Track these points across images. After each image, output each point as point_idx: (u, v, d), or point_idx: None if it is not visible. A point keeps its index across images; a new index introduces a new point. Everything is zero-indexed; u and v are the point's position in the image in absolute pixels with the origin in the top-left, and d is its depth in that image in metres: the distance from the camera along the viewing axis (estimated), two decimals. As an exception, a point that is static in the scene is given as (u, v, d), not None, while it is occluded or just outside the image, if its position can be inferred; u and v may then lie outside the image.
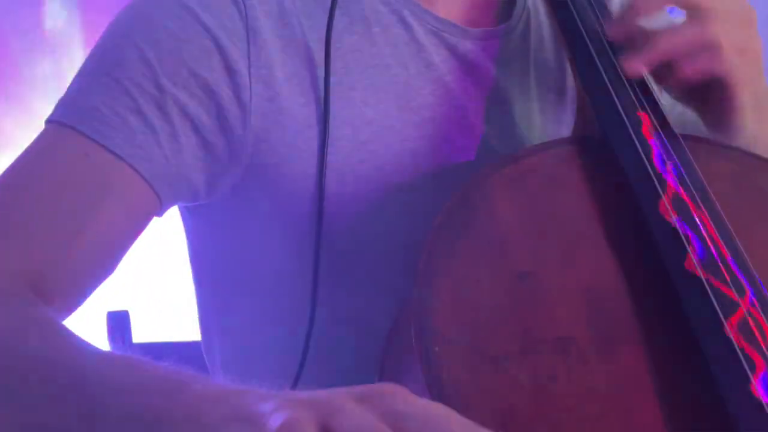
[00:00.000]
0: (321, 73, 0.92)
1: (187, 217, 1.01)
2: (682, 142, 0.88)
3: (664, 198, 0.82)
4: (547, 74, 1.03)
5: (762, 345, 0.75)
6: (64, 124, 0.88)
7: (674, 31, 0.90)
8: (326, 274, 0.92)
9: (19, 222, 0.85)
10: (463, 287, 0.78)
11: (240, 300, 1.00)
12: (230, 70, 0.90)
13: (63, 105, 0.90)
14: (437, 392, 0.72)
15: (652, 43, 0.90)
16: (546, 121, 1.02)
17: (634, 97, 0.89)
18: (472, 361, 0.75)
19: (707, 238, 0.81)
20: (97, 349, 0.75)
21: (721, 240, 0.81)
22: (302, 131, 0.92)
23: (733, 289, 0.78)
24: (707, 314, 0.77)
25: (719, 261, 0.80)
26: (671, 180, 0.84)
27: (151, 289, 1.96)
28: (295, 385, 0.92)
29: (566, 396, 0.74)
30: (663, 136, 0.87)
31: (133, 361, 0.73)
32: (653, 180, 0.84)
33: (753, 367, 0.74)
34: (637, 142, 0.86)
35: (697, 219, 0.82)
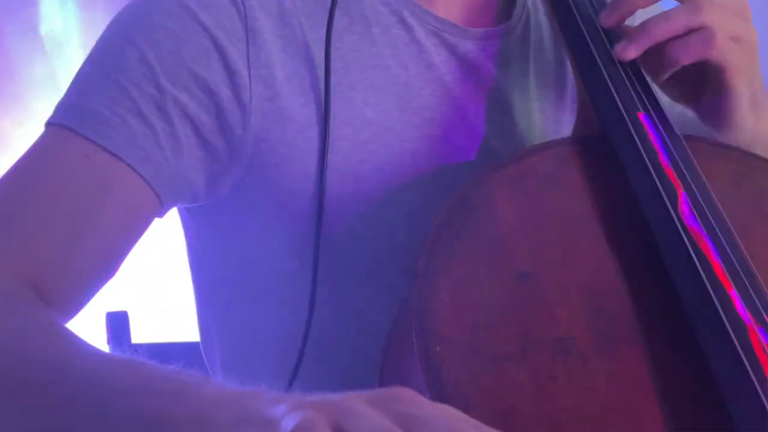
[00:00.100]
0: (321, 73, 0.92)
1: (187, 217, 1.01)
2: (683, 141, 0.88)
3: (665, 197, 0.82)
4: (547, 74, 1.03)
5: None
6: (63, 125, 0.88)
7: (665, 15, 0.91)
8: (326, 274, 0.92)
9: (19, 224, 0.85)
10: (463, 287, 0.78)
11: (239, 300, 1.00)
12: (230, 71, 0.90)
13: (62, 107, 0.90)
14: (437, 392, 0.72)
15: (643, 27, 0.90)
16: (546, 121, 1.02)
17: (635, 97, 0.89)
18: (472, 361, 0.75)
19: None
20: (98, 350, 0.75)
21: (722, 239, 0.81)
22: (302, 131, 0.92)
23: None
24: (708, 314, 0.77)
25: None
26: (672, 179, 0.84)
27: (151, 290, 1.96)
28: (290, 384, 0.92)
29: (566, 396, 0.74)
30: (664, 135, 0.87)
31: (136, 363, 0.72)
32: (654, 179, 0.84)
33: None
34: (638, 142, 0.86)
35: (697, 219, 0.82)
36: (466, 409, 0.71)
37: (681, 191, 0.83)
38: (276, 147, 0.92)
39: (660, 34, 0.90)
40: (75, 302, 0.86)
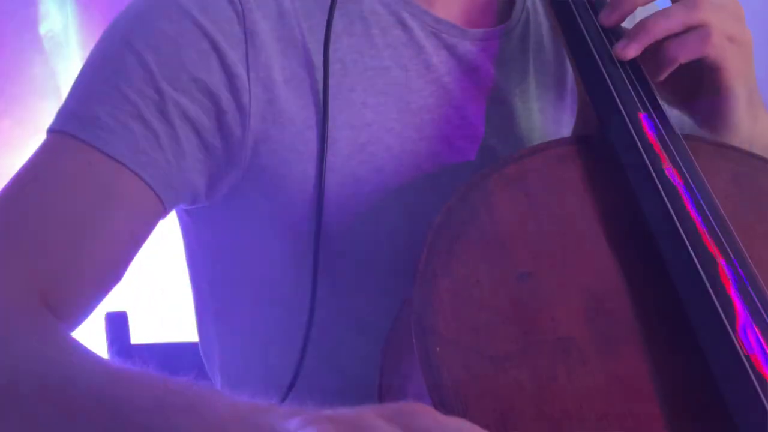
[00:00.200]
0: (320, 75, 0.92)
1: (186, 219, 1.01)
2: (683, 141, 0.88)
3: (664, 197, 0.82)
4: (547, 74, 1.03)
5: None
6: (65, 132, 0.88)
7: (664, 13, 0.91)
8: (326, 275, 0.92)
9: (26, 236, 0.84)
10: (463, 287, 0.78)
11: (238, 301, 1.00)
12: (229, 73, 0.90)
13: (63, 113, 0.90)
14: (437, 393, 0.72)
15: (642, 25, 0.90)
16: (546, 121, 1.02)
17: (635, 97, 0.89)
18: (472, 361, 0.74)
19: None
20: (110, 365, 0.75)
21: (723, 239, 0.81)
22: (301, 133, 0.92)
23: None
24: (708, 313, 0.77)
25: None
26: (672, 179, 0.84)
27: (150, 290, 1.95)
28: (292, 386, 0.92)
29: (567, 396, 0.74)
30: (664, 135, 0.87)
31: (148, 377, 0.72)
32: (654, 179, 0.83)
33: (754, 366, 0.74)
34: (638, 142, 0.86)
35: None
36: (465, 409, 0.71)
37: (681, 191, 0.83)
38: (275, 149, 0.92)
39: (659, 31, 0.90)
40: (83, 310, 0.86)
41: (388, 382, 0.82)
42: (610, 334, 0.78)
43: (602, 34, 0.93)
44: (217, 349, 1.03)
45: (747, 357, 0.74)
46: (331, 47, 0.93)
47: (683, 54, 0.90)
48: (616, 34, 0.93)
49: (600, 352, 0.76)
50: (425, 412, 0.63)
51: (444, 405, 0.72)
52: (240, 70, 0.90)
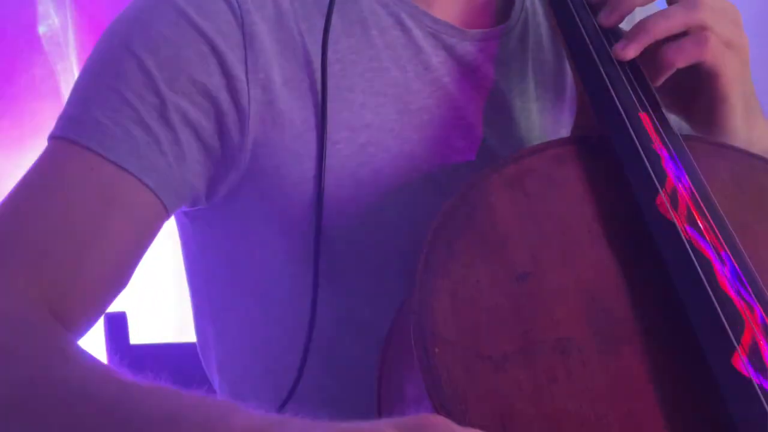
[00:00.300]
0: (319, 76, 0.92)
1: (184, 220, 1.00)
2: (683, 142, 0.88)
3: (663, 197, 0.82)
4: (546, 74, 1.03)
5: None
6: (67, 138, 0.88)
7: (663, 13, 0.91)
8: (325, 277, 0.92)
9: (31, 246, 0.84)
10: (462, 288, 0.78)
11: (237, 303, 0.99)
12: (228, 76, 0.90)
13: (65, 119, 0.90)
14: (436, 394, 0.72)
15: (642, 26, 0.90)
16: (545, 121, 1.01)
17: (634, 97, 0.89)
18: (471, 362, 0.74)
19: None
20: (123, 377, 0.74)
21: (721, 239, 0.81)
22: (301, 135, 0.92)
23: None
24: (707, 314, 0.77)
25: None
26: (671, 179, 0.84)
27: (149, 291, 1.95)
28: (295, 387, 0.92)
29: (566, 397, 0.74)
30: (663, 135, 0.87)
31: (162, 390, 0.72)
32: (653, 179, 0.83)
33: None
34: (637, 142, 0.86)
35: (697, 218, 0.82)
36: (465, 410, 0.71)
37: (680, 191, 0.83)
38: (274, 151, 0.92)
39: (659, 31, 0.90)
40: (90, 317, 0.86)
41: (387, 382, 0.82)
42: (610, 334, 0.77)
43: (601, 34, 0.93)
44: (215, 350, 1.03)
45: None
46: (330, 48, 0.92)
47: (681, 58, 0.90)
48: (614, 34, 0.93)
49: (599, 352, 0.76)
50: (441, 424, 0.63)
51: (443, 406, 0.72)
52: (239, 72, 0.90)
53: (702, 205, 0.83)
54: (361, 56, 0.95)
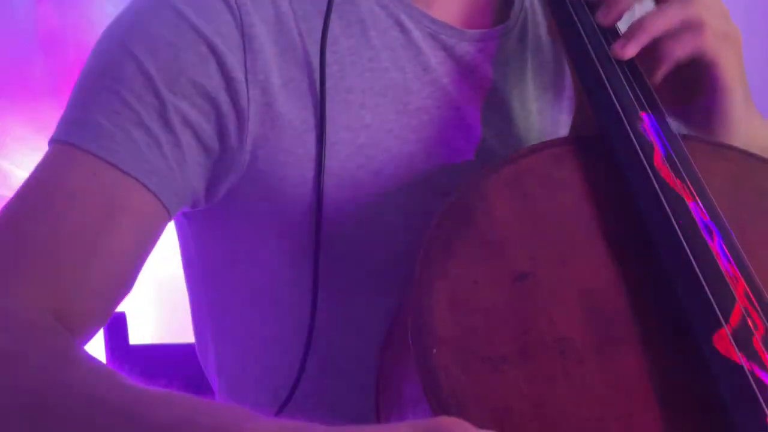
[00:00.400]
0: (318, 77, 0.92)
1: (182, 221, 1.00)
2: (681, 141, 0.88)
3: (662, 197, 0.82)
4: (545, 75, 1.03)
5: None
6: (68, 143, 0.88)
7: (660, 10, 0.91)
8: (324, 278, 0.92)
9: (36, 252, 0.84)
10: (461, 288, 0.78)
11: (236, 305, 0.99)
12: (227, 77, 0.90)
13: (65, 123, 0.90)
14: (434, 394, 0.72)
15: (640, 24, 0.90)
16: (544, 121, 1.01)
17: (633, 97, 0.89)
18: (469, 362, 0.74)
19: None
20: (133, 383, 0.74)
21: (720, 239, 0.81)
22: (300, 136, 0.92)
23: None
24: (706, 314, 0.76)
25: None
26: (669, 179, 0.84)
27: (148, 291, 1.95)
28: (294, 388, 0.92)
29: (565, 397, 0.74)
30: (662, 135, 0.87)
31: (173, 396, 0.72)
32: (651, 179, 0.83)
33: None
34: (635, 142, 0.86)
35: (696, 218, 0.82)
36: (463, 411, 0.71)
37: (679, 191, 0.83)
38: (274, 152, 0.91)
39: (657, 29, 0.90)
40: (96, 322, 0.86)
41: (386, 383, 0.82)
42: (608, 335, 0.77)
43: (599, 33, 0.93)
44: (213, 351, 1.03)
45: None
46: (329, 49, 0.92)
47: (680, 50, 0.90)
48: (612, 34, 0.93)
49: (598, 353, 0.76)
50: (460, 426, 0.63)
51: (441, 407, 0.72)
52: (238, 73, 0.90)
53: (700, 204, 0.82)
54: (360, 57, 0.94)
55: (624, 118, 0.87)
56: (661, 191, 0.83)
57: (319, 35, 0.92)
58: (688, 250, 0.79)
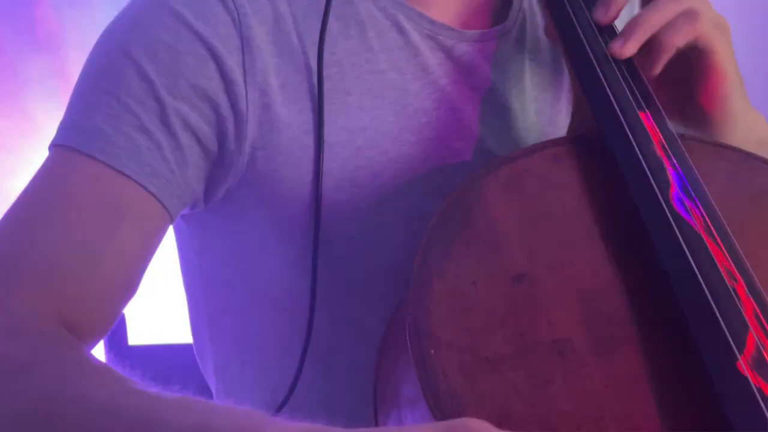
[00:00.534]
0: (316, 79, 0.92)
1: (180, 223, 1.00)
2: (680, 141, 0.88)
3: (660, 197, 0.82)
4: (543, 75, 1.03)
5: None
6: (70, 147, 0.87)
7: (654, 6, 0.91)
8: (323, 280, 0.92)
9: (40, 258, 0.84)
10: (459, 289, 0.78)
11: (234, 306, 0.99)
12: (227, 79, 0.89)
13: (66, 127, 0.89)
14: (432, 395, 0.72)
15: (636, 21, 0.91)
16: (542, 121, 1.01)
17: (631, 97, 0.89)
18: (467, 363, 0.74)
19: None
20: (148, 389, 0.74)
21: (719, 239, 0.80)
22: (298, 138, 0.91)
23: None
24: (705, 315, 0.76)
25: None
26: (668, 179, 0.84)
27: (147, 292, 1.95)
28: (292, 390, 0.92)
29: (563, 398, 0.74)
30: (660, 134, 0.87)
31: (189, 401, 0.72)
32: (650, 179, 0.83)
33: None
34: (634, 142, 0.86)
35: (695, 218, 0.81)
36: (461, 412, 0.71)
37: (677, 191, 0.83)
38: (272, 154, 0.91)
39: (654, 24, 0.90)
40: (103, 327, 0.86)
41: (383, 384, 0.82)
42: (607, 335, 0.77)
43: (597, 33, 0.92)
44: (212, 353, 1.03)
45: None
46: (327, 51, 0.92)
47: (678, 38, 0.90)
48: (610, 32, 0.93)
49: (596, 354, 0.76)
50: (482, 427, 0.63)
51: (439, 408, 0.72)
52: (237, 76, 0.90)
53: (699, 204, 0.82)
54: (359, 59, 0.94)
55: (622, 118, 0.87)
56: (660, 192, 0.83)
57: (317, 37, 0.92)
58: (686, 250, 0.79)
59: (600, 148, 0.87)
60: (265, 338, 0.98)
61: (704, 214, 0.82)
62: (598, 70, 0.90)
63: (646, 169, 0.84)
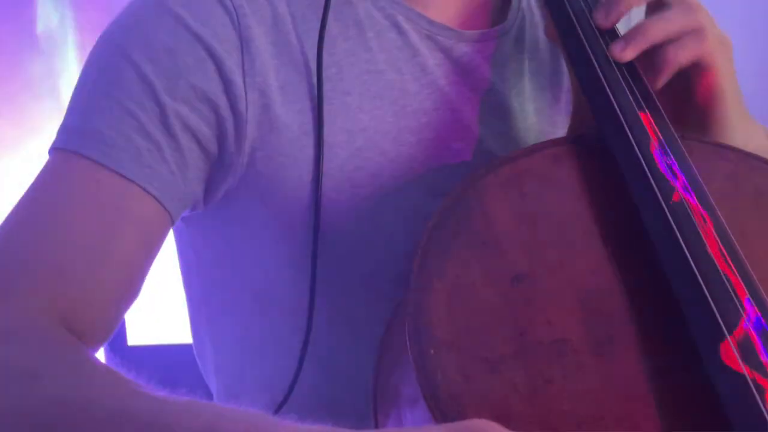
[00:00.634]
0: (315, 79, 0.92)
1: (180, 225, 1.00)
2: (680, 142, 0.88)
3: (660, 198, 0.82)
4: (543, 75, 1.03)
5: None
6: (70, 150, 0.87)
7: (663, 17, 0.91)
8: (323, 281, 0.92)
9: (43, 262, 0.83)
10: (458, 289, 0.78)
11: (234, 307, 0.99)
12: (226, 81, 0.89)
13: (66, 130, 0.89)
14: (431, 395, 0.72)
15: (641, 29, 0.90)
16: (542, 122, 1.01)
17: (631, 97, 0.89)
18: (466, 363, 0.74)
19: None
20: (156, 393, 0.73)
21: (717, 239, 0.80)
22: (298, 139, 0.91)
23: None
24: (704, 314, 0.76)
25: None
26: (668, 179, 0.84)
27: (146, 292, 1.94)
28: (291, 390, 0.92)
29: (562, 398, 0.74)
30: (660, 135, 0.87)
31: (198, 404, 0.72)
32: (650, 180, 0.83)
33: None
34: (633, 142, 0.85)
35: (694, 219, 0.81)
36: (461, 413, 0.71)
37: (677, 192, 0.83)
38: (272, 155, 0.91)
39: (659, 35, 0.90)
40: (107, 330, 0.86)
41: (383, 384, 0.82)
42: (606, 336, 0.77)
43: (598, 34, 0.92)
44: (211, 353, 1.03)
45: None
46: (327, 51, 0.92)
47: (684, 55, 0.90)
48: (611, 34, 0.93)
49: (596, 354, 0.76)
50: (492, 428, 0.63)
51: (438, 408, 0.72)
52: (236, 77, 0.90)
53: (699, 204, 0.82)
54: (358, 59, 0.94)
55: (622, 119, 0.87)
56: (660, 192, 0.82)
57: (317, 37, 0.92)
58: (685, 250, 0.79)
59: (600, 148, 0.87)
60: (265, 338, 0.98)
61: (704, 214, 0.82)
62: (599, 70, 0.90)
63: (646, 169, 0.84)
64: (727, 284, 0.78)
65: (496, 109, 0.99)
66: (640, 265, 0.81)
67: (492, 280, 0.79)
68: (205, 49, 0.89)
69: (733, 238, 0.81)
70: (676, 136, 0.88)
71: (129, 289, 0.87)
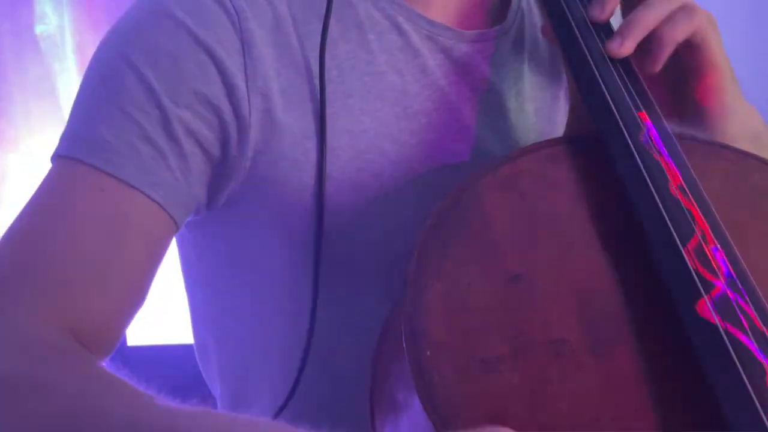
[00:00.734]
0: (317, 82, 0.91)
1: (182, 230, 1.00)
2: (677, 141, 0.88)
3: (657, 198, 0.82)
4: (542, 75, 1.03)
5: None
6: (73, 158, 0.87)
7: (649, 4, 0.91)
8: (324, 283, 0.91)
9: (49, 271, 0.83)
10: (455, 289, 0.78)
11: (236, 310, 0.99)
12: (228, 85, 0.89)
13: (68, 137, 0.89)
14: (428, 396, 0.72)
15: (633, 20, 0.90)
16: (541, 122, 1.01)
17: (628, 97, 0.89)
18: (463, 364, 0.74)
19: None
20: (166, 402, 0.73)
21: (714, 239, 0.80)
22: (300, 142, 0.91)
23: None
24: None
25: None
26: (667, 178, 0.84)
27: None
28: (292, 393, 0.91)
29: (560, 398, 0.74)
30: (657, 134, 0.87)
31: (210, 414, 0.71)
32: (646, 179, 0.83)
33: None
34: (630, 141, 0.85)
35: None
36: (457, 414, 0.71)
37: (674, 192, 0.83)
38: (274, 158, 0.91)
39: (650, 22, 0.90)
40: (113, 338, 0.85)
41: (380, 385, 0.82)
42: (603, 336, 0.77)
43: (594, 32, 0.92)
44: (216, 358, 1.03)
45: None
46: (328, 54, 0.92)
47: (678, 32, 0.90)
48: (607, 32, 0.93)
49: (593, 354, 0.76)
50: None
51: (435, 409, 0.71)
52: (239, 80, 0.89)
53: (694, 202, 0.82)
54: (359, 61, 0.94)
55: (619, 118, 0.87)
56: (656, 192, 0.82)
57: (318, 39, 0.91)
58: (682, 250, 0.79)
59: (597, 147, 0.87)
60: (268, 341, 0.98)
61: (701, 214, 0.82)
62: (595, 70, 0.90)
63: (643, 169, 0.84)
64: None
65: (496, 110, 0.98)
66: (639, 265, 0.80)
67: (489, 280, 0.78)
68: (207, 52, 0.88)
69: (729, 237, 0.81)
70: (673, 135, 0.88)
71: (134, 297, 0.87)
